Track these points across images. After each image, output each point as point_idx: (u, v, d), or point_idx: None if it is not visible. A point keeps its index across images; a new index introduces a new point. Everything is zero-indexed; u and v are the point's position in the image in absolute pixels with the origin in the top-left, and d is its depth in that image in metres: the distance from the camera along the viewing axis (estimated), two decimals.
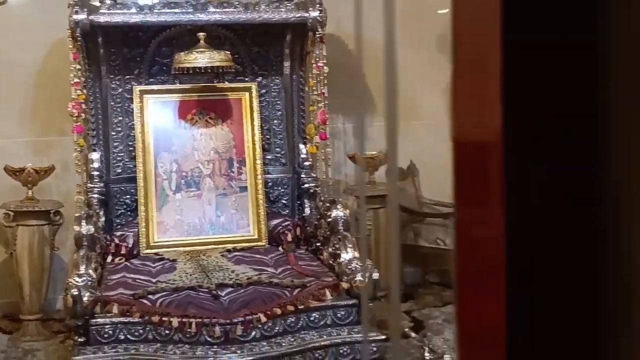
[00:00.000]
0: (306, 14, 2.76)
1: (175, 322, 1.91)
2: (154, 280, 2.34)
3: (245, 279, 2.27)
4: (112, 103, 3.15)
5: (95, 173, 3.00)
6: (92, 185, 2.93)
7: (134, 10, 2.72)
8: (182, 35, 3.03)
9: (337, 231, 2.47)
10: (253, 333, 2.06)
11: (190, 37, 2.94)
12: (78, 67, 2.66)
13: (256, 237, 3.08)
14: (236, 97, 3.26)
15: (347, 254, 2.24)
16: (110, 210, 3.04)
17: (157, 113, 3.14)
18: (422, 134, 3.70)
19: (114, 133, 3.16)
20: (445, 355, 2.38)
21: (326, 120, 2.96)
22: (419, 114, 3.74)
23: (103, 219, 2.88)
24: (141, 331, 2.13)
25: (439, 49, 3.52)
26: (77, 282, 1.99)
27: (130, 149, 3.13)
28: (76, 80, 2.65)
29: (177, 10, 2.78)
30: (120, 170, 3.16)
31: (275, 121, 3.32)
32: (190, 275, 2.37)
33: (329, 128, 3.16)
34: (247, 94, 3.25)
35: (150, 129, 3.10)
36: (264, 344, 2.09)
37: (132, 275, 2.34)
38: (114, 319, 2.09)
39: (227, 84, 3.23)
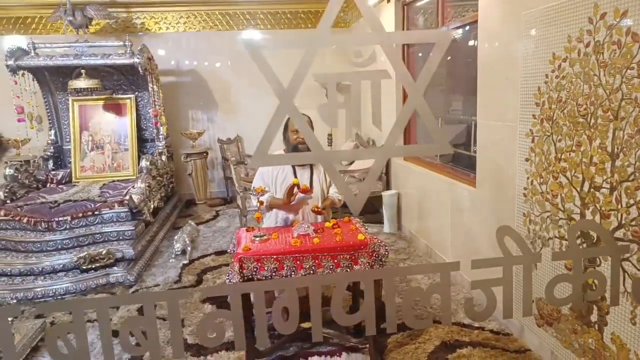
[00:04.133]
0: (132, 60, 5.34)
1: (24, 219, 4.58)
2: (49, 197, 5.07)
3: (78, 197, 5.00)
4: (60, 105, 6.00)
5: (51, 140, 5.91)
6: (48, 148, 5.85)
7: (41, 58, 5.28)
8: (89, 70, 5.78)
9: (142, 171, 5.25)
10: (64, 226, 4.23)
11: (90, 71, 5.68)
12: (17, 86, 5.22)
13: (132, 175, 5.92)
14: (123, 102, 6.04)
15: (137, 184, 4.91)
16: (58, 160, 5.95)
17: (81, 112, 5.98)
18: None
19: (64, 121, 6.04)
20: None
21: (156, 114, 5.73)
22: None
23: (52, 164, 5.79)
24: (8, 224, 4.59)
25: None
26: None
27: (67, 129, 6.00)
28: (17, 95, 5.27)
29: (64, 59, 5.32)
30: (66, 141, 6.04)
31: (147, 114, 6.11)
32: (72, 194, 5.17)
33: (163, 119, 5.95)
34: (129, 100, 6.02)
35: (77, 119, 5.94)
36: (69, 231, 4.49)
37: (43, 194, 5.14)
38: None
39: (118, 95, 6.02)
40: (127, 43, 5.37)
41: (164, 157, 5.94)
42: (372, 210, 5.64)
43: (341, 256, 2.44)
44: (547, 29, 2.37)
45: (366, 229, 2.78)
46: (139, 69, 5.32)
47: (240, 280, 2.34)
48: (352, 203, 1.15)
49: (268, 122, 1.07)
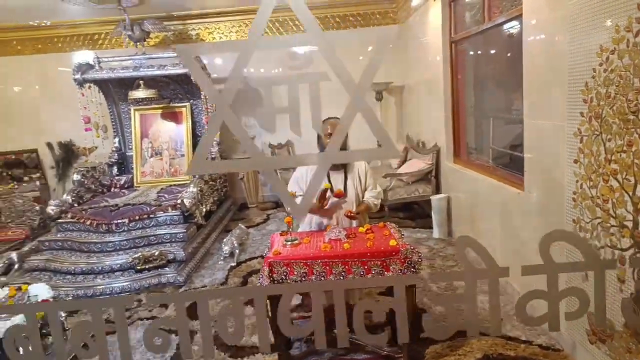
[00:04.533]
0: (185, 70, 5.54)
1: (88, 221, 4.89)
2: (111, 201, 5.42)
3: (136, 201, 5.26)
4: (123, 115, 6.41)
5: (116, 147, 6.32)
6: (113, 155, 6.27)
7: (104, 72, 5.67)
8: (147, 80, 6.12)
9: (194, 176, 5.47)
10: (123, 228, 4.55)
11: (148, 81, 6.01)
12: (84, 98, 5.67)
13: (188, 180, 6.19)
14: (179, 110, 6.34)
15: (189, 189, 5.11)
16: (122, 166, 6.36)
17: (142, 120, 6.35)
18: None
19: (126, 130, 6.44)
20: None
21: (208, 121, 5.94)
22: None
23: (116, 170, 6.20)
24: (74, 226, 4.83)
25: None
26: (51, 205, 5.10)
27: (129, 137, 6.39)
28: (84, 106, 5.71)
29: (125, 72, 5.67)
30: (129, 148, 6.44)
31: (201, 121, 6.37)
32: (131, 198, 5.49)
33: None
34: (184, 108, 6.31)
35: (138, 127, 6.31)
36: (127, 233, 4.83)
37: (107, 198, 5.50)
38: (62, 220, 4.99)
39: (175, 104, 6.32)
40: None
41: None
42: (423, 214, 5.49)
43: (372, 262, 2.39)
44: (594, 19, 2.18)
45: (402, 234, 2.70)
46: (192, 78, 5.55)
47: (270, 284, 2.36)
48: (295, 210, 1.13)
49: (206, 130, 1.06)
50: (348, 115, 1.10)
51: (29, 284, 3.62)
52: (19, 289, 2.83)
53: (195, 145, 6.24)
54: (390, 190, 5.10)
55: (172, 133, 6.31)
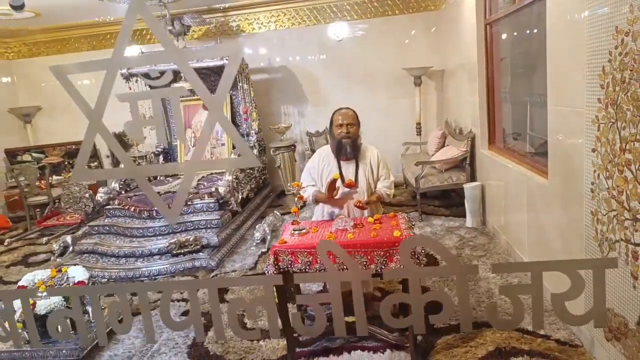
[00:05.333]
0: (221, 62, 5.72)
1: (132, 208, 5.24)
2: (155, 189, 5.71)
3: (177, 189, 5.54)
4: (168, 106, 6.73)
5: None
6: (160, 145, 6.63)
7: (147, 66, 6.03)
8: None
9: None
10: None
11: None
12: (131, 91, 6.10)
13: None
14: None
15: (225, 177, 5.31)
16: (168, 155, 6.70)
17: (186, 111, 6.64)
18: None
19: (172, 120, 6.78)
20: None
21: (246, 111, 6.10)
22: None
23: (162, 159, 6.55)
24: (120, 212, 5.37)
25: None
26: (100, 192, 5.47)
27: (174, 127, 6.70)
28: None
29: (165, 66, 6.01)
30: (174, 138, 6.77)
31: (240, 111, 6.55)
32: (173, 186, 5.79)
33: (254, 115, 6.31)
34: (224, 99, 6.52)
35: (182, 118, 6.61)
36: (164, 219, 5.16)
37: (152, 186, 5.81)
38: (110, 206, 5.36)
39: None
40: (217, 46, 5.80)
41: (255, 151, 6.31)
42: (458, 203, 5.36)
43: (375, 252, 2.40)
44: None
45: (411, 225, 2.68)
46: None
47: (275, 272, 2.45)
48: (167, 214, 1.18)
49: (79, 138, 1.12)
50: (209, 125, 1.17)
51: (76, 264, 3.97)
52: (59, 270, 3.11)
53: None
54: (423, 178, 5.02)
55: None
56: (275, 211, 5.54)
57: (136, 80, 6.11)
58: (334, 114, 2.99)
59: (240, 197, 5.39)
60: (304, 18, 7.04)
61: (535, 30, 3.68)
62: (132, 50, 6.79)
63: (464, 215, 4.89)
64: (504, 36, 4.43)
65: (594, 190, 2.32)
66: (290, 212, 6.03)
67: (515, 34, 4.30)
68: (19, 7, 4.10)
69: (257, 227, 4.94)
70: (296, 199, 2.80)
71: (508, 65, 4.64)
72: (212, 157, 6.46)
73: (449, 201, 5.62)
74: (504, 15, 4.04)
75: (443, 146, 5.73)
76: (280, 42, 7.11)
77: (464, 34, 5.15)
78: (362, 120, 6.95)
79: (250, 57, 6.93)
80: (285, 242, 2.52)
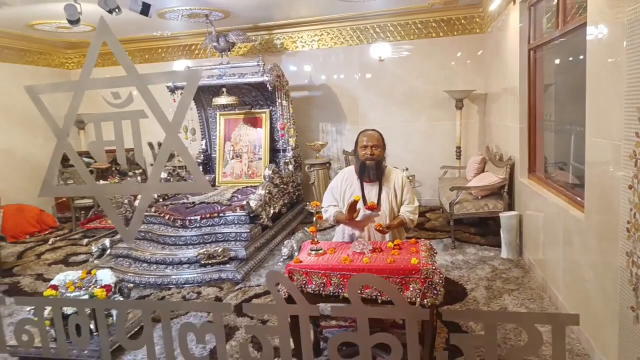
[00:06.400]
0: (261, 78, 5.89)
1: (166, 216, 5.39)
2: (190, 199, 5.86)
3: (211, 200, 5.64)
4: (210, 119, 6.95)
5: (202, 149, 6.88)
6: (199, 155, 6.83)
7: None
8: (231, 87, 6.55)
9: (264, 177, 5.73)
10: (195, 224, 5.14)
11: (232, 88, 6.44)
12: (175, 104, 6.36)
13: (263, 180, 6.52)
14: (259, 116, 6.69)
15: (258, 191, 5.37)
16: (207, 166, 6.89)
17: (226, 124, 6.82)
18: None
19: (212, 133, 6.98)
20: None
21: (283, 127, 6.19)
22: None
23: (201, 170, 6.73)
24: (155, 219, 5.51)
25: None
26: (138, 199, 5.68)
27: (214, 140, 6.90)
28: (174, 111, 6.34)
29: (209, 80, 6.15)
30: (214, 150, 6.97)
31: (277, 126, 6.66)
32: (209, 197, 5.90)
33: (292, 132, 6.39)
34: (264, 114, 6.66)
35: (222, 131, 6.79)
36: (197, 229, 5.20)
37: (189, 195, 5.96)
38: (146, 213, 5.52)
39: (255, 110, 6.69)
40: (259, 63, 5.96)
41: (290, 167, 6.40)
42: (495, 232, 5.16)
43: (390, 279, 2.35)
44: None
45: (432, 253, 2.61)
46: (268, 86, 5.85)
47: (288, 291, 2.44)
48: (124, 233, 1.19)
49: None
50: (164, 150, 1.19)
51: (109, 267, 4.13)
52: (89, 273, 3.25)
53: (272, 149, 6.56)
54: (457, 203, 4.88)
55: (252, 137, 6.69)
56: (305, 228, 5.54)
57: (181, 93, 6.36)
58: (359, 135, 2.98)
59: (272, 211, 5.45)
60: (346, 38, 7.11)
61: (581, 57, 3.53)
62: (180, 65, 7.10)
63: (500, 245, 4.70)
64: (548, 62, 4.28)
65: (630, 229, 2.16)
66: (323, 230, 6.04)
67: (559, 60, 4.14)
68: (75, 22, 4.40)
69: (285, 242, 4.96)
70: (314, 218, 2.79)
71: (552, 92, 4.47)
72: (249, 171, 6.60)
73: (485, 229, 5.42)
74: (547, 41, 3.90)
75: (482, 172, 5.56)
76: (322, 61, 7.21)
77: (508, 58, 5.02)
78: (401, 142, 6.91)
79: (292, 75, 7.06)
80: (301, 262, 2.51)
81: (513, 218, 4.48)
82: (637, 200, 2.08)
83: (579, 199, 3.14)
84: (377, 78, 7.06)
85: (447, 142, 6.83)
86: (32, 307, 1.68)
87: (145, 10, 4.57)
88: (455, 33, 6.75)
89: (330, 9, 6.55)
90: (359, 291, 2.32)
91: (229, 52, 6.37)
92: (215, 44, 6.13)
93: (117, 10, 4.53)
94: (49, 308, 2.49)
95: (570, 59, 3.83)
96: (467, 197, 5.00)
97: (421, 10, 6.64)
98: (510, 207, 4.83)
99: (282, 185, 6.00)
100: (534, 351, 1.08)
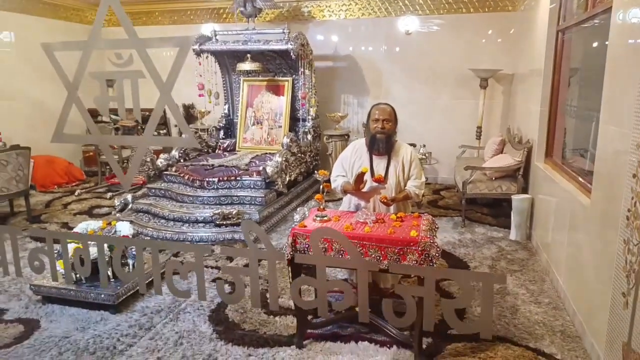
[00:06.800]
0: (285, 46, 5.90)
1: (186, 176, 5.53)
2: (210, 161, 6.02)
3: (230, 163, 5.74)
4: (234, 84, 7.04)
5: (225, 113, 7.00)
6: (222, 119, 6.96)
7: (218, 44, 6.25)
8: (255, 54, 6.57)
9: (283, 145, 5.82)
10: (212, 186, 5.34)
11: (256, 55, 6.47)
12: (200, 67, 6.34)
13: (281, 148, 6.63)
14: (282, 83, 6.73)
15: (275, 158, 5.47)
16: (229, 131, 7.02)
17: (249, 90, 6.90)
18: None
19: (236, 98, 7.08)
20: None
21: (304, 96, 6.22)
22: None
23: (223, 134, 6.88)
24: (175, 179, 5.69)
25: None
26: (160, 158, 5.83)
27: (237, 105, 7.00)
28: (199, 75, 6.37)
29: (234, 45, 6.20)
30: (236, 115, 7.08)
31: (299, 95, 6.70)
32: (228, 161, 6.05)
33: (313, 102, 6.43)
34: (286, 82, 6.69)
35: (245, 97, 6.88)
36: (215, 190, 5.35)
37: (209, 158, 6.13)
38: (167, 172, 5.70)
39: (278, 77, 6.73)
40: (285, 30, 5.96)
41: (309, 136, 6.47)
42: (507, 214, 5.17)
43: (389, 249, 2.44)
44: None
45: (434, 228, 2.68)
46: (292, 54, 5.87)
47: (292, 253, 2.56)
48: (123, 179, 1.31)
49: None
50: (159, 107, 1.29)
51: (129, 221, 4.34)
52: (110, 224, 3.44)
53: (293, 118, 6.62)
54: (470, 183, 4.89)
55: (273, 105, 6.76)
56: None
57: (207, 57, 6.43)
58: (372, 108, 3.03)
59: (287, 179, 5.56)
60: (374, 9, 7.00)
61: (606, 43, 3.44)
62: (207, 28, 7.14)
63: (510, 227, 4.72)
64: (575, 45, 4.17)
65: (630, 217, 2.18)
66: (337, 200, 6.14)
67: (586, 44, 4.04)
68: None
69: (298, 209, 5.05)
70: (321, 186, 2.88)
71: (578, 77, 4.38)
72: (269, 138, 6.70)
73: (499, 211, 5.43)
74: (574, 24, 3.80)
75: (500, 153, 5.53)
76: (348, 31, 7.14)
77: (537, 39, 4.90)
78: (422, 118, 6.90)
79: (317, 44, 7.03)
80: (305, 227, 2.62)
81: (525, 201, 4.48)
82: (639, 189, 2.10)
83: (589, 185, 3.14)
84: (403, 52, 6.97)
85: (468, 122, 6.76)
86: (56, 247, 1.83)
87: None
88: (487, 10, 6.57)
89: None
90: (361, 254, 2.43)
91: (255, 18, 6.37)
92: (242, 9, 6.14)
93: None
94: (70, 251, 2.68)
95: (597, 43, 3.73)
96: (481, 177, 5.01)
97: None
98: (524, 190, 4.82)
99: (299, 154, 6.10)
100: (466, 302, 1.22)
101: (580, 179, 3.41)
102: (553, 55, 4.33)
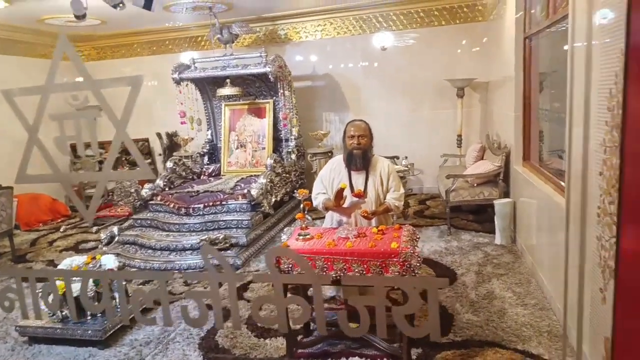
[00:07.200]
0: (264, 69, 5.99)
1: (171, 204, 5.54)
2: (195, 187, 6.03)
3: (215, 188, 5.75)
4: (216, 110, 7.10)
5: (208, 139, 7.04)
6: (205, 145, 6.99)
7: (197, 71, 6.32)
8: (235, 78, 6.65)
9: (267, 166, 5.86)
10: (198, 212, 5.35)
11: (236, 79, 6.55)
12: (181, 95, 6.39)
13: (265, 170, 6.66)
14: (263, 106, 6.81)
15: (260, 179, 5.51)
16: (213, 156, 7.05)
17: (231, 115, 6.97)
18: None
19: (218, 123, 7.13)
20: None
21: (285, 117, 6.30)
22: None
23: (207, 159, 6.90)
24: (161, 207, 5.71)
25: None
26: (145, 188, 5.85)
27: (220, 130, 7.05)
28: (180, 103, 6.43)
29: (213, 71, 6.26)
30: (219, 139, 7.12)
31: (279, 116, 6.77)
32: (213, 186, 6.06)
33: (294, 121, 6.50)
34: (267, 104, 6.77)
35: (227, 121, 6.94)
36: (201, 217, 5.37)
37: (194, 184, 6.15)
38: (153, 201, 5.71)
39: (259, 100, 6.81)
40: (262, 54, 6.06)
41: (293, 156, 6.52)
42: (491, 219, 5.23)
43: (371, 262, 2.47)
44: (620, 14, 1.98)
45: (414, 238, 2.71)
46: (270, 76, 5.96)
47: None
48: (84, 213, 1.34)
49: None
50: (115, 144, 1.35)
51: (115, 253, 4.32)
52: (94, 258, 3.43)
53: (276, 139, 6.67)
54: (453, 191, 4.96)
55: (256, 127, 6.82)
56: (307, 215, 5.66)
57: (186, 84, 6.50)
58: (347, 125, 3.09)
59: (273, 199, 5.59)
60: (349, 27, 7.15)
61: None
62: (186, 57, 7.22)
63: (495, 232, 4.77)
64: (542, 51, 4.30)
65: (600, 214, 2.24)
66: (324, 217, 6.16)
67: (552, 49, 4.17)
68: (81, 17, 4.55)
69: (285, 229, 5.07)
70: (301, 205, 2.92)
71: (548, 81, 4.50)
72: (253, 160, 6.74)
73: (484, 216, 5.49)
74: (538, 31, 3.93)
75: (481, 160, 5.62)
76: (326, 51, 7.27)
77: (506, 46, 5.04)
78: (404, 130, 6.98)
79: (296, 65, 7.14)
80: (288, 246, 2.64)
81: (507, 205, 4.54)
82: (606, 186, 2.16)
83: (563, 184, 3.21)
84: (380, 67, 7.10)
85: (448, 131, 6.87)
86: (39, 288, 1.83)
87: (148, 4, 4.70)
88: (458, 21, 6.75)
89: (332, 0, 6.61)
90: (341, 273, 2.46)
91: (232, 44, 6.47)
92: (219, 35, 6.24)
93: (121, 5, 4.66)
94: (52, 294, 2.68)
95: (561, 48, 3.85)
96: (463, 184, 5.08)
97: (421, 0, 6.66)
98: (506, 194, 4.89)
99: (284, 174, 6.13)
100: (414, 309, 1.26)
101: (556, 179, 3.49)
102: (522, 61, 4.45)
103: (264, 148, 6.72)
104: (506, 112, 4.99)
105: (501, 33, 5.42)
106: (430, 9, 6.79)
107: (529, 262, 3.95)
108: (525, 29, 4.39)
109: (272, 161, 5.86)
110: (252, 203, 5.14)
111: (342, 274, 2.48)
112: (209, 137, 7.08)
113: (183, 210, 5.14)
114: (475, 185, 5.01)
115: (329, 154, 6.78)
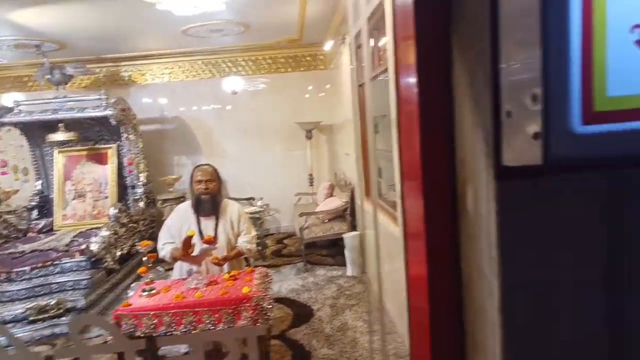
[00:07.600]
0: (104, 113, 5.62)
1: None
2: (20, 247, 5.22)
3: (46, 247, 5.12)
4: (47, 157, 6.32)
5: (37, 190, 6.20)
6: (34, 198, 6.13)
7: (22, 115, 5.63)
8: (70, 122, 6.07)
9: (110, 217, 5.40)
10: (24, 276, 4.65)
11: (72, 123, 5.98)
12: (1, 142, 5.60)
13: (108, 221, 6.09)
14: (104, 151, 6.30)
15: (101, 232, 5.05)
16: (44, 209, 6.21)
17: (66, 162, 6.28)
18: None
19: (50, 172, 6.34)
20: None
21: (131, 162, 5.93)
22: None
23: (37, 213, 6.05)
24: None
25: None
26: None
27: (52, 179, 6.28)
28: (0, 150, 5.65)
29: (43, 114, 5.66)
30: (52, 190, 6.32)
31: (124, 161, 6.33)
32: (43, 244, 5.34)
33: (142, 167, 6.15)
34: (110, 150, 6.29)
35: (61, 170, 6.23)
36: (27, 281, 4.73)
37: (18, 244, 5.32)
38: None
39: (100, 145, 6.29)
40: (102, 96, 5.65)
41: (141, 204, 6.09)
42: (342, 252, 5.53)
43: (223, 311, 2.39)
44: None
45: (267, 280, 2.72)
46: (112, 120, 5.56)
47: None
48: None
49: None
50: None
51: None
52: None
53: (122, 186, 6.18)
54: (306, 228, 5.14)
55: (97, 174, 6.24)
56: (158, 267, 5.29)
57: (8, 130, 5.70)
58: (194, 170, 3.02)
59: (118, 253, 5.10)
60: (198, 71, 7.13)
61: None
62: (9, 98, 6.37)
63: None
64: (375, 96, 4.83)
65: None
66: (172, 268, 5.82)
67: (380, 96, 4.71)
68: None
69: (132, 285, 4.67)
70: (144, 258, 2.72)
71: (380, 124, 5.04)
72: (94, 211, 6.11)
73: (337, 250, 5.78)
74: (369, 79, 4.42)
75: (331, 197, 5.96)
76: (175, 93, 7.09)
77: (344, 93, 5.54)
78: (257, 171, 7.02)
79: (143, 107, 6.81)
80: (130, 305, 2.42)
81: (354, 238, 4.87)
82: None
83: (397, 214, 3.57)
84: (232, 110, 7.17)
85: (300, 171, 7.17)
86: None
87: None
88: (303, 69, 7.22)
89: (180, 43, 6.51)
90: (191, 327, 2.32)
91: (65, 85, 5.91)
92: (49, 76, 5.65)
93: None
94: None
95: (381, 96, 4.39)
96: (315, 221, 5.31)
97: (269, 47, 6.98)
98: (354, 227, 5.25)
99: (131, 224, 5.67)
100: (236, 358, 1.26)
101: (392, 210, 3.87)
102: (358, 106, 4.93)
103: (106, 197, 6.15)
104: (348, 152, 5.43)
105: (340, 80, 5.95)
106: (276, 57, 7.15)
107: (376, 290, 4.25)
108: (358, 78, 4.89)
109: (117, 210, 5.39)
110: (93, 259, 4.62)
111: (192, 328, 2.34)
112: (39, 187, 6.24)
113: (3, 276, 4.36)
114: (326, 221, 5.28)
115: (181, 199, 6.50)
